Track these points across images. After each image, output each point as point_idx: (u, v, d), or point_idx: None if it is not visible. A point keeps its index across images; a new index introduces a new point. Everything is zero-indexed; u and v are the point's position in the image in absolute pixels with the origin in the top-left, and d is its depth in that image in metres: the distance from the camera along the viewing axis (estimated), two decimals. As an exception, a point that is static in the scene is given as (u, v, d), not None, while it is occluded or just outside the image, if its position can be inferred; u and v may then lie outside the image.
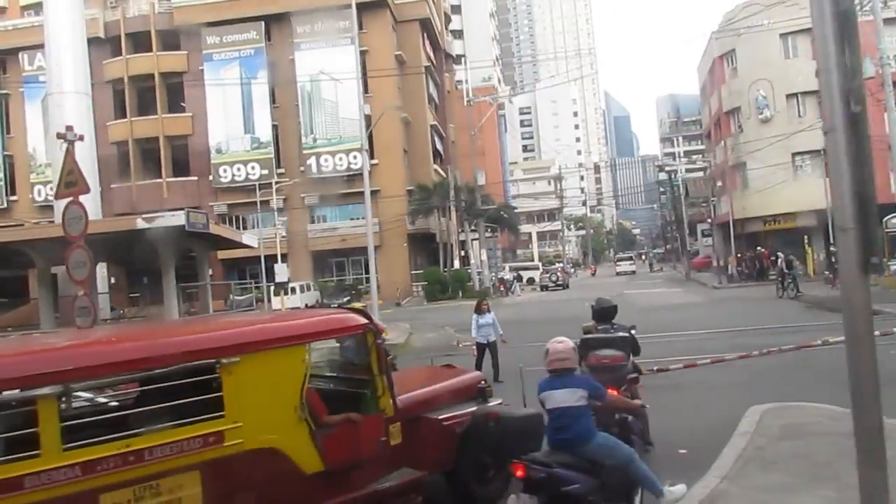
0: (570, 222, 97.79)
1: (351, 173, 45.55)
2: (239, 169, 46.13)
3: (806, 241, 35.72)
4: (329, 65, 44.77)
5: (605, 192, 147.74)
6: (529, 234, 75.26)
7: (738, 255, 38.94)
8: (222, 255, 40.37)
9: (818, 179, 36.77)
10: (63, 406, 4.47)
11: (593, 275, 69.83)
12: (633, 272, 66.77)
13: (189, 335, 5.47)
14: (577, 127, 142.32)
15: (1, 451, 4.30)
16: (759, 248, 37.26)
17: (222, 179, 46.36)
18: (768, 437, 7.27)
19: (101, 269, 27.94)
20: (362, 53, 45.70)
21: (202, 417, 4.98)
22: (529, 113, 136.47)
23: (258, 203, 39.54)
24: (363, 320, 6.10)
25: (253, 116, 46.12)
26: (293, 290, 36.49)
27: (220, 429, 5.02)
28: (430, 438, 6.37)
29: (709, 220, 58.06)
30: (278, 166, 46.13)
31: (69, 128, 11.09)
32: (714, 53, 41.87)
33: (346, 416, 5.83)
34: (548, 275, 48.68)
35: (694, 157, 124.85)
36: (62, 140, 10.77)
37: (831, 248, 32.89)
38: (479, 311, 12.77)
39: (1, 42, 47.83)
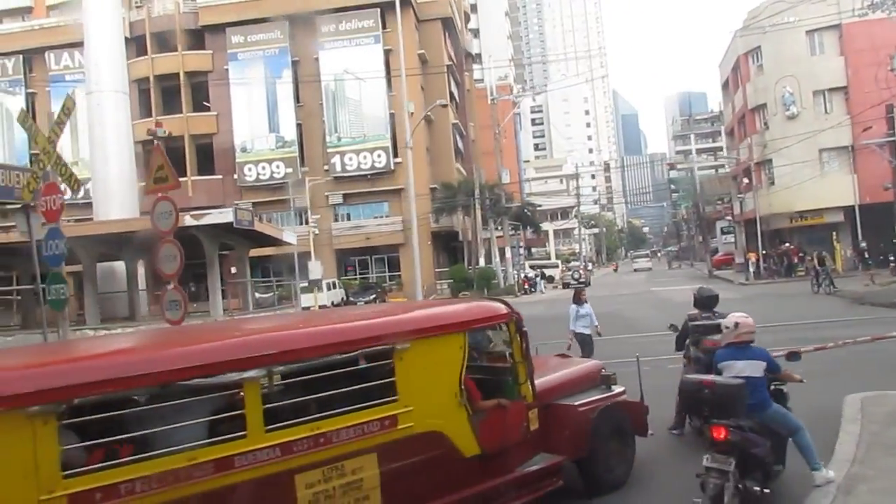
0: (583, 221, 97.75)
1: (375, 171, 45.81)
2: (264, 168, 46.40)
3: (834, 237, 35.79)
4: (353, 64, 45.15)
5: (615, 190, 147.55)
6: (546, 232, 75.35)
7: (766, 251, 38.98)
8: (252, 252, 40.62)
9: (846, 176, 36.93)
10: (265, 389, 4.67)
11: (615, 271, 70.34)
12: (650, 269, 68.61)
13: (367, 321, 5.67)
14: (588, 125, 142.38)
15: (210, 433, 4.50)
16: (787, 244, 37.34)
17: (247, 178, 46.62)
18: (879, 424, 7.44)
19: (138, 268, 28.34)
20: (386, 52, 46.05)
21: (378, 402, 5.18)
22: (541, 112, 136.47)
23: (292, 201, 39.82)
24: (508, 309, 6.29)
25: (277, 115, 46.37)
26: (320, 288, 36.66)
27: (394, 413, 5.22)
28: (566, 424, 6.56)
29: (728, 218, 58.13)
30: (302, 165, 46.36)
31: (158, 124, 11.62)
32: (738, 51, 41.93)
33: (497, 402, 6.03)
34: (570, 272, 48.81)
35: (706, 154, 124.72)
36: (152, 136, 10.98)
37: (861, 245, 33.00)
38: (578, 301, 12.48)
39: (27, 42, 48.15)
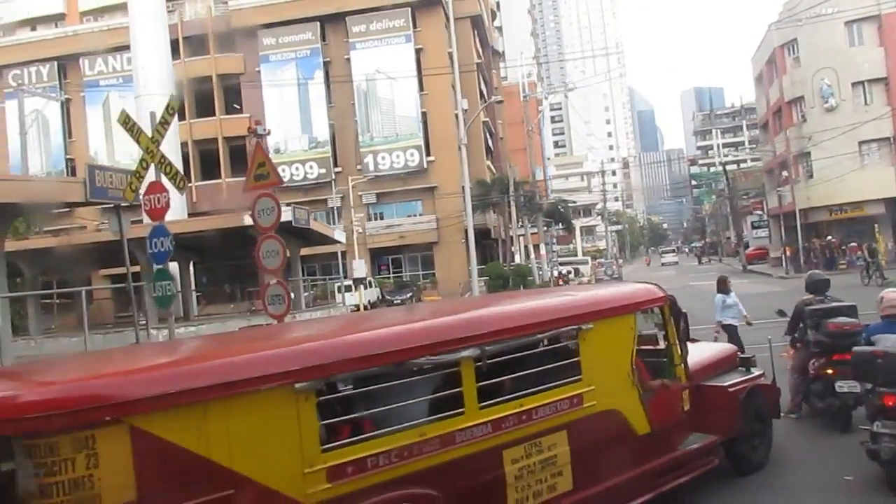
0: (602, 217, 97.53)
1: (408, 170, 46.00)
2: (297, 168, 46.73)
3: (876, 229, 35.54)
4: (384, 63, 45.38)
5: (634, 187, 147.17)
6: (571, 229, 75.31)
7: (805, 244, 38.74)
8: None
9: (887, 168, 36.68)
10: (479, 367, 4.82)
11: (648, 265, 70.83)
12: (676, 262, 69.52)
13: (555, 303, 5.82)
14: (608, 122, 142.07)
15: (432, 411, 4.66)
16: (829, 237, 37.12)
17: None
18: None
19: (175, 267, 28.61)
20: (417, 51, 46.25)
21: (566, 381, 5.33)
22: (559, 109, 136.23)
23: (336, 199, 40.14)
24: (664, 293, 6.42)
25: (310, 116, 46.68)
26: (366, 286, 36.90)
27: (580, 391, 5.37)
28: (717, 405, 6.68)
29: (758, 213, 57.84)
30: (335, 165, 46.65)
31: (258, 122, 11.52)
32: (774, 43, 41.73)
33: (662, 382, 6.16)
34: (602, 268, 48.86)
35: (728, 149, 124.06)
36: (251, 134, 11.18)
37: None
38: (724, 290, 11.71)
39: (61, 48, 48.70)
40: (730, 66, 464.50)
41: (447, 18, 47.92)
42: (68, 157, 49.65)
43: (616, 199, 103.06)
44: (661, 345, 6.60)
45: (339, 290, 36.60)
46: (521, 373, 5.11)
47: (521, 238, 47.57)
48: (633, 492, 5.62)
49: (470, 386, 4.70)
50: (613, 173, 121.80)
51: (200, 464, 3.64)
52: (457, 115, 47.36)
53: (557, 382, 5.24)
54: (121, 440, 3.40)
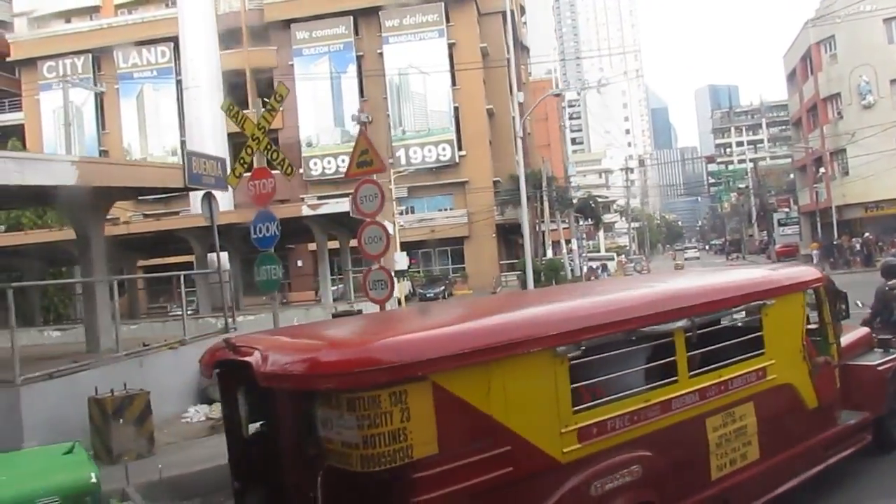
0: (621, 214, 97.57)
1: (439, 164, 46.22)
2: (329, 162, 47.00)
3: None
4: (417, 58, 45.60)
5: (650, 184, 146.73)
6: (596, 224, 75.36)
7: (838, 241, 38.72)
8: (313, 245, 41.19)
9: (926, 165, 36.55)
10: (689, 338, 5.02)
11: (675, 259, 71.25)
12: (698, 258, 70.45)
13: (743, 279, 6.03)
14: (626, 119, 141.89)
15: (650, 379, 4.87)
16: (865, 234, 37.09)
17: (313, 172, 47.25)
18: None
19: (226, 257, 28.95)
20: (449, 46, 46.44)
21: (752, 354, 5.54)
22: (576, 106, 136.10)
23: (397, 193, 40.29)
24: (823, 274, 6.62)
25: (342, 110, 46.88)
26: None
27: (763, 365, 5.57)
28: (867, 383, 6.86)
29: (785, 210, 57.76)
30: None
31: (361, 110, 11.88)
32: (809, 40, 41.65)
33: (825, 359, 6.35)
34: (632, 264, 49.02)
35: (745, 147, 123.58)
36: (355, 122, 11.40)
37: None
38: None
39: (96, 41, 49.12)
40: (744, 64, 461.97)
41: (478, 13, 48.23)
42: (102, 148, 50.07)
43: (634, 197, 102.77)
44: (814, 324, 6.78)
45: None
46: (719, 345, 5.31)
47: (546, 233, 47.68)
48: (806, 463, 5.82)
49: (682, 355, 4.91)
50: (631, 171, 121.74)
51: (485, 420, 3.86)
52: (489, 111, 47.65)
53: (746, 355, 5.46)
54: (426, 396, 3.62)
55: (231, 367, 4.24)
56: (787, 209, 57.81)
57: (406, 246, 47.72)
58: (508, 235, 50.24)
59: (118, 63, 49.05)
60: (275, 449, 4.40)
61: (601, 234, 72.32)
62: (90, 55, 49.22)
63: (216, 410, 11.78)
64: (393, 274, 11.45)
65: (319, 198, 47.59)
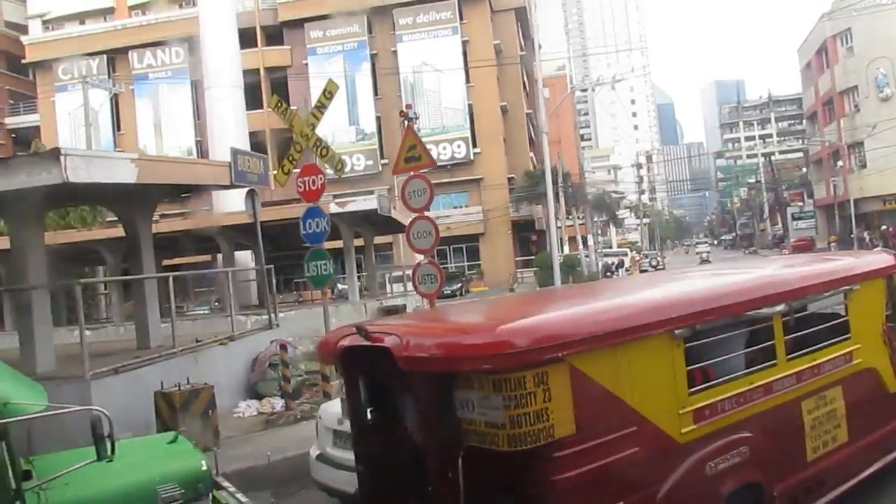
0: (632, 210, 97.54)
1: (454, 162, 46.30)
2: (344, 160, 47.06)
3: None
4: (431, 56, 45.67)
5: (658, 180, 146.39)
6: (608, 221, 75.36)
7: (855, 234, 38.69)
8: (328, 244, 41.30)
9: (945, 157, 36.48)
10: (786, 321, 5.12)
11: (686, 253, 71.11)
12: (709, 252, 70.72)
13: (831, 266, 6.12)
14: (634, 115, 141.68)
15: (750, 362, 4.97)
16: (882, 226, 37.08)
17: (328, 171, 47.12)
18: None
19: (245, 256, 29.13)
20: (463, 44, 46.51)
21: (839, 339, 5.63)
22: (584, 101, 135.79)
23: (396, 189, 40.27)
24: (896, 260, 6.71)
25: (357, 108, 47.04)
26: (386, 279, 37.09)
27: (849, 349, 5.66)
28: None
29: (799, 204, 57.67)
30: (382, 157, 47.00)
31: (409, 106, 11.84)
32: (825, 33, 41.59)
33: None
34: (647, 259, 49.06)
35: (753, 142, 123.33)
36: (403, 118, 11.50)
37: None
38: None
39: (110, 42, 49.35)
40: (750, 59, 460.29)
41: (491, 10, 48.26)
42: (118, 149, 50.21)
43: (643, 192, 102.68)
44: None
45: (391, 281, 36.93)
46: (810, 330, 5.41)
47: (563, 230, 47.69)
48: (887, 447, 5.91)
49: (780, 339, 5.01)
50: (640, 167, 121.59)
51: (613, 402, 3.96)
52: (503, 108, 47.69)
53: (834, 340, 5.55)
54: (564, 377, 3.73)
55: (354, 353, 4.35)
56: (800, 203, 57.71)
57: (421, 243, 47.91)
58: (521, 233, 50.31)
59: (133, 64, 49.26)
60: (394, 433, 4.52)
61: (612, 229, 72.34)
62: (105, 56, 49.42)
63: (266, 405, 11.94)
64: (438, 269, 11.52)
65: (335, 196, 47.86)
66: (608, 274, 44.21)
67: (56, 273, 28.84)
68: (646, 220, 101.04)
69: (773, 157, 66.44)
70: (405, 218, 29.61)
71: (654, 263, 47.81)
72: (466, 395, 3.81)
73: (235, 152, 12.48)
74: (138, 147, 49.64)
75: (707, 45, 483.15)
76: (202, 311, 30.03)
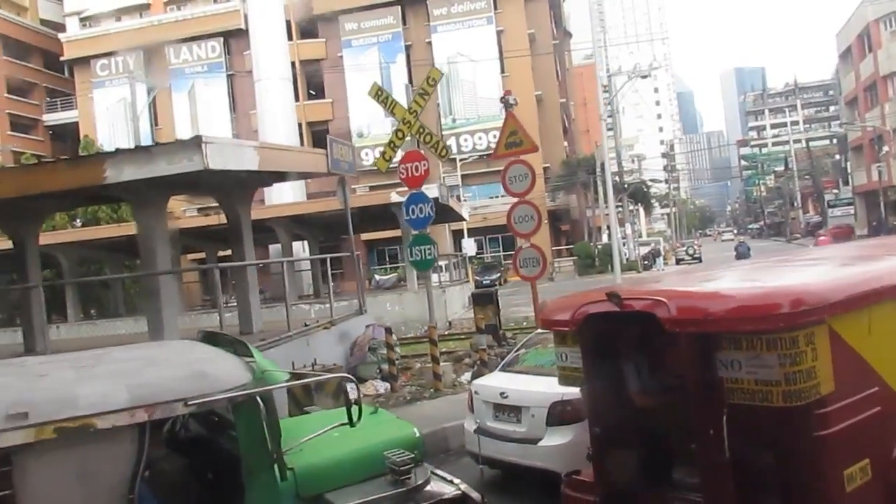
0: (659, 199, 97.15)
1: (491, 152, 46.34)
2: (380, 151, 47.30)
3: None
4: (466, 46, 45.77)
5: (681, 169, 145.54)
6: (637, 210, 75.29)
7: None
8: (365, 235, 41.57)
9: None
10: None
11: (715, 240, 70.98)
12: (733, 240, 71.05)
13: None
14: (657, 103, 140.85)
15: None
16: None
17: (364, 163, 47.47)
18: None
19: (297, 246, 29.49)
20: (498, 34, 46.54)
21: None
22: (607, 91, 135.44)
23: (442, 179, 40.71)
24: None
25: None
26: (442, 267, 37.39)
27: None
28: None
29: (835, 191, 57.21)
30: (417, 147, 47.13)
31: (508, 91, 12.01)
32: (867, 17, 41.15)
33: None
34: (684, 248, 48.93)
35: (779, 129, 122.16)
36: (502, 104, 11.68)
37: None
38: None
39: (146, 38, 49.81)
40: (770, 46, 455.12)
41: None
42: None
43: (669, 182, 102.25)
44: None
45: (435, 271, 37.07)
46: None
47: (601, 218, 47.70)
48: None
49: None
50: (664, 156, 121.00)
51: (860, 363, 4.13)
52: (537, 97, 47.64)
53: None
54: (825, 337, 3.91)
55: (594, 321, 4.55)
56: (835, 190, 57.26)
57: (457, 233, 48.12)
58: (555, 223, 50.36)
59: (169, 59, 49.74)
60: (618, 399, 4.73)
61: (643, 218, 72.15)
62: (141, 52, 49.93)
63: (369, 388, 12.19)
64: (540, 252, 11.70)
65: (371, 188, 48.17)
66: (645, 263, 44.23)
67: (111, 265, 29.34)
68: (672, 210, 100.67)
69: (809, 144, 65.75)
70: (460, 207, 29.89)
71: (691, 252, 47.59)
72: (731, 355, 3.98)
73: (331, 140, 12.73)
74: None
75: (724, 32, 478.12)
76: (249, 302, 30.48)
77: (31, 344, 13.00)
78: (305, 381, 5.27)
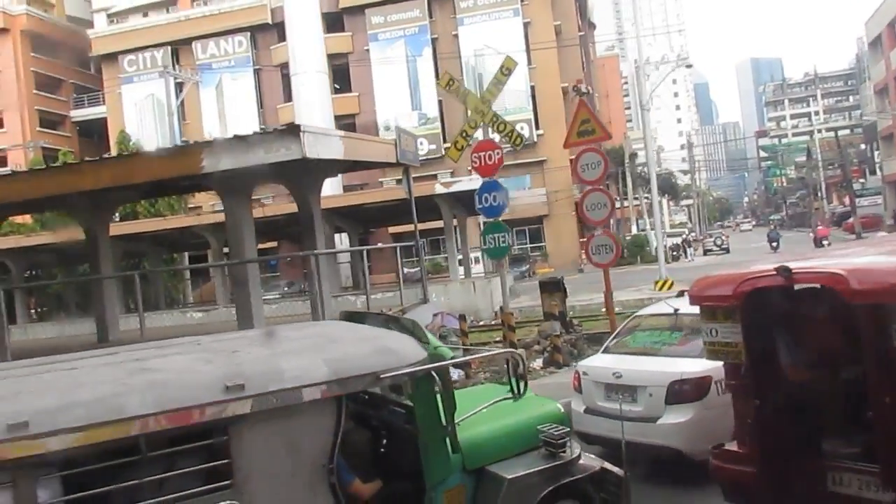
0: (681, 190, 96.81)
1: (518, 144, 46.36)
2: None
3: None
4: (492, 38, 45.67)
5: (699, 160, 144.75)
6: (660, 202, 75.22)
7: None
8: (393, 229, 41.68)
9: None
10: None
11: (734, 229, 70.87)
12: (751, 229, 70.70)
13: None
14: (676, 95, 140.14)
15: None
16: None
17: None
18: None
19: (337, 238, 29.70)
20: (525, 25, 46.49)
21: None
22: (625, 82, 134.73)
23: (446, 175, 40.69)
24: None
25: (419, 93, 47.30)
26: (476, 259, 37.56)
27: None
28: None
29: (861, 181, 56.82)
30: (444, 141, 47.21)
31: (579, 81, 12.14)
32: (900, 4, 40.87)
33: None
34: (712, 238, 48.86)
35: (799, 119, 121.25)
36: (574, 92, 11.78)
37: None
38: None
39: (174, 33, 50.21)
40: (784, 36, 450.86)
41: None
42: (183, 139, 51.17)
43: (685, 173, 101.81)
44: None
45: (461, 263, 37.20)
46: None
47: (631, 209, 47.66)
48: None
49: None
50: (682, 147, 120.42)
51: None
52: (564, 89, 47.53)
53: None
54: None
55: (756, 296, 4.68)
56: (862, 180, 56.87)
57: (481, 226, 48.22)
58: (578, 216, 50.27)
59: (197, 54, 50.02)
60: (774, 372, 4.87)
61: (666, 210, 72.09)
62: (169, 47, 50.28)
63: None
64: (614, 239, 11.83)
65: (398, 181, 48.31)
66: (673, 254, 44.18)
67: (151, 258, 29.64)
68: (695, 201, 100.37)
69: (837, 133, 65.25)
70: (529, 194, 29.83)
71: (719, 243, 47.53)
72: None
73: (399, 131, 12.89)
74: (204, 137, 50.59)
75: (739, 23, 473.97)
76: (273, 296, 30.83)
77: (103, 335, 13.27)
78: (477, 356, 5.44)
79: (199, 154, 8.84)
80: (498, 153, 11.73)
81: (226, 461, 3.48)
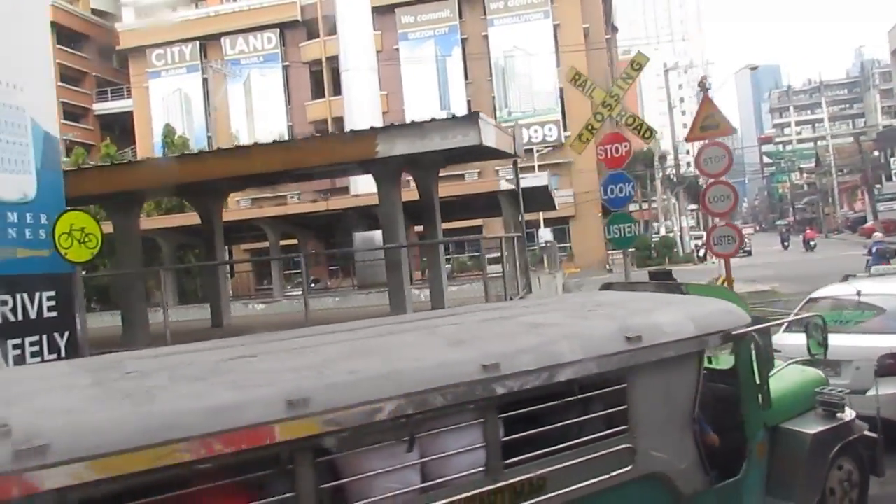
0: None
1: (546, 145, 46.84)
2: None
3: None
4: (522, 39, 46.18)
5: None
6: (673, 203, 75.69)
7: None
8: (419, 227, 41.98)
9: None
10: None
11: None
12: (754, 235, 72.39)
13: None
14: (682, 100, 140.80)
15: None
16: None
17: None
18: None
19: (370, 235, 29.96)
20: (555, 27, 46.94)
21: None
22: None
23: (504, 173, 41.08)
24: None
25: (448, 93, 47.65)
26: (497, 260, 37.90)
27: None
28: None
29: (877, 186, 57.51)
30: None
31: (704, 77, 12.48)
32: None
33: None
34: (734, 242, 49.23)
35: (802, 126, 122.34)
36: (700, 87, 12.17)
37: None
38: None
39: (202, 29, 50.39)
40: (782, 44, 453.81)
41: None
42: (209, 134, 51.41)
43: (697, 178, 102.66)
44: None
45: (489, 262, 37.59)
46: None
47: (659, 211, 48.16)
48: None
49: None
50: (688, 151, 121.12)
51: None
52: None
53: None
54: None
55: None
56: (878, 185, 57.59)
57: (529, 224, 48.45)
58: (607, 214, 50.69)
59: (225, 50, 50.23)
60: None
61: (678, 211, 72.59)
62: (197, 43, 50.49)
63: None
64: (736, 231, 12.20)
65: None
66: (699, 255, 44.60)
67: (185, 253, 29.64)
68: (697, 206, 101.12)
69: (859, 139, 65.94)
70: (557, 194, 30.30)
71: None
72: None
73: (519, 125, 13.26)
74: (230, 132, 50.77)
75: (738, 30, 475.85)
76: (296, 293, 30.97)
77: (217, 320, 13.54)
78: (784, 320, 5.80)
79: (374, 139, 9.17)
80: (626, 146, 12.11)
81: (623, 407, 3.84)
